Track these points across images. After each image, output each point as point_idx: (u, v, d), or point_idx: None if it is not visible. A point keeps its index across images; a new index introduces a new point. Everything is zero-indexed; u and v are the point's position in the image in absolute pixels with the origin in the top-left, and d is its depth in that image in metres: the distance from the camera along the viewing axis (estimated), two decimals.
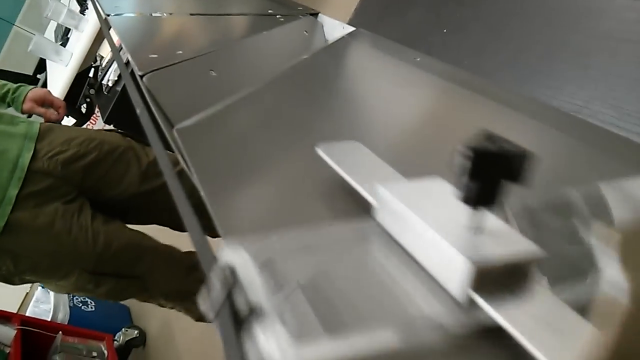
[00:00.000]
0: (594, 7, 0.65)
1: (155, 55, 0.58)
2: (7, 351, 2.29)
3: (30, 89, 1.37)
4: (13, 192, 1.22)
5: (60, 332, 2.54)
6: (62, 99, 2.50)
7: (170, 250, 1.52)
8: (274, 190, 0.41)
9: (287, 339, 0.21)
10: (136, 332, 3.05)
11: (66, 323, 2.84)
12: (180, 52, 0.61)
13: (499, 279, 0.25)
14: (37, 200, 1.27)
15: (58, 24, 2.62)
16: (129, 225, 1.58)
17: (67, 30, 2.66)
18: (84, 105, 3.04)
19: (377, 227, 0.30)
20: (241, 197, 0.39)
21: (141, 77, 0.54)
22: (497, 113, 0.56)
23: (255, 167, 0.42)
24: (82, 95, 2.96)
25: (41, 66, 3.30)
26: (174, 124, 0.51)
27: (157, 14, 0.81)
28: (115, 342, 2.82)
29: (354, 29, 0.81)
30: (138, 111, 0.50)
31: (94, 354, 2.57)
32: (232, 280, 0.27)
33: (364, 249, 0.30)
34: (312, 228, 0.29)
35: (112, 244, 1.36)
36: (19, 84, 1.37)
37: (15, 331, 2.31)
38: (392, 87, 0.60)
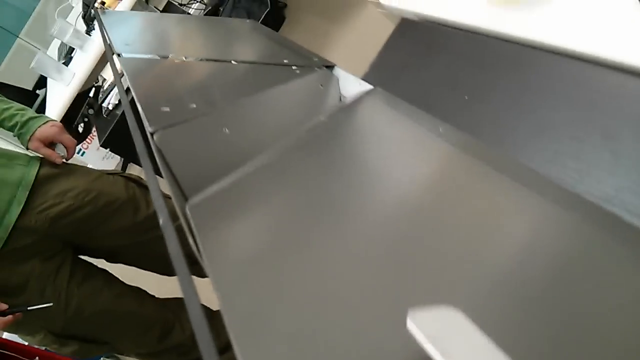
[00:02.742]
0: (621, 88, 0.63)
1: (167, 109, 0.55)
2: None
3: (40, 126, 1.29)
4: None
5: (37, 357, 2.45)
6: (61, 118, 2.47)
7: (145, 316, 1.46)
8: (296, 284, 0.37)
9: None
10: None
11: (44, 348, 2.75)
12: (194, 105, 0.58)
13: None
14: (14, 257, 1.20)
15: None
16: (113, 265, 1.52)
17: (72, 49, 2.65)
18: (81, 124, 3.01)
19: None
20: (258, 291, 0.35)
21: (152, 134, 0.51)
22: (521, 197, 0.53)
23: (275, 255, 0.38)
24: (80, 114, 2.92)
25: (42, 81, 3.28)
26: (184, 189, 0.48)
27: (170, 56, 0.78)
28: None
29: (371, 87, 0.79)
30: (143, 165, 0.46)
31: None
32: None
33: None
34: None
35: (85, 311, 1.31)
36: (28, 117, 1.29)
37: None
38: (416, 161, 0.57)
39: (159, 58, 0.74)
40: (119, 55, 0.75)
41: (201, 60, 0.77)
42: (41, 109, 2.73)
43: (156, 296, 1.59)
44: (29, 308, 1.21)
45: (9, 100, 1.35)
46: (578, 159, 0.60)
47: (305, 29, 2.92)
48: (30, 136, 1.27)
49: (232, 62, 0.78)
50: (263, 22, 2.93)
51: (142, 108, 0.53)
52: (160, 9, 3.32)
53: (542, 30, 0.70)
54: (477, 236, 0.49)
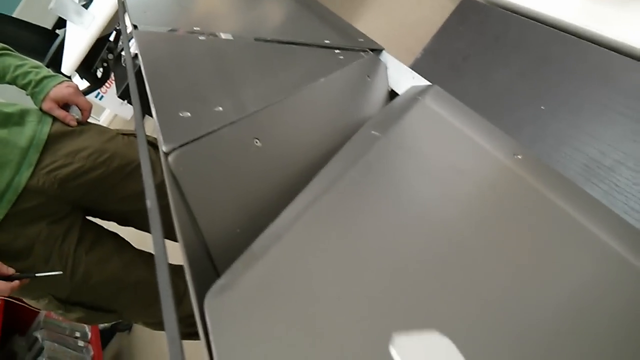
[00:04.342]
0: None
1: (188, 114, 0.45)
2: None
3: (54, 85, 1.21)
4: None
5: None
6: (79, 62, 2.37)
7: (155, 285, 1.39)
8: None
9: None
10: None
11: None
12: (220, 108, 0.47)
13: None
14: (20, 219, 1.12)
15: None
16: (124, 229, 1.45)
17: None
18: (100, 69, 2.91)
19: None
20: None
21: (166, 154, 0.40)
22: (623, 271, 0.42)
23: None
24: (99, 58, 2.82)
25: (62, 20, 3.15)
26: (205, 234, 0.38)
27: (196, 29, 0.67)
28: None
29: (427, 83, 0.67)
30: (149, 204, 0.37)
31: (77, 334, 2.48)
32: None
33: None
34: None
35: (92, 278, 1.24)
36: (43, 76, 1.21)
37: None
38: (481, 196, 0.46)
39: (181, 33, 0.63)
40: (135, 27, 0.64)
41: (230, 37, 0.65)
42: (60, 50, 2.63)
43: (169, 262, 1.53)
44: (37, 275, 1.15)
45: (22, 55, 1.26)
46: None
47: None
48: (44, 96, 1.19)
49: (266, 41, 0.67)
50: None
51: (157, 114, 0.43)
52: None
53: None
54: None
